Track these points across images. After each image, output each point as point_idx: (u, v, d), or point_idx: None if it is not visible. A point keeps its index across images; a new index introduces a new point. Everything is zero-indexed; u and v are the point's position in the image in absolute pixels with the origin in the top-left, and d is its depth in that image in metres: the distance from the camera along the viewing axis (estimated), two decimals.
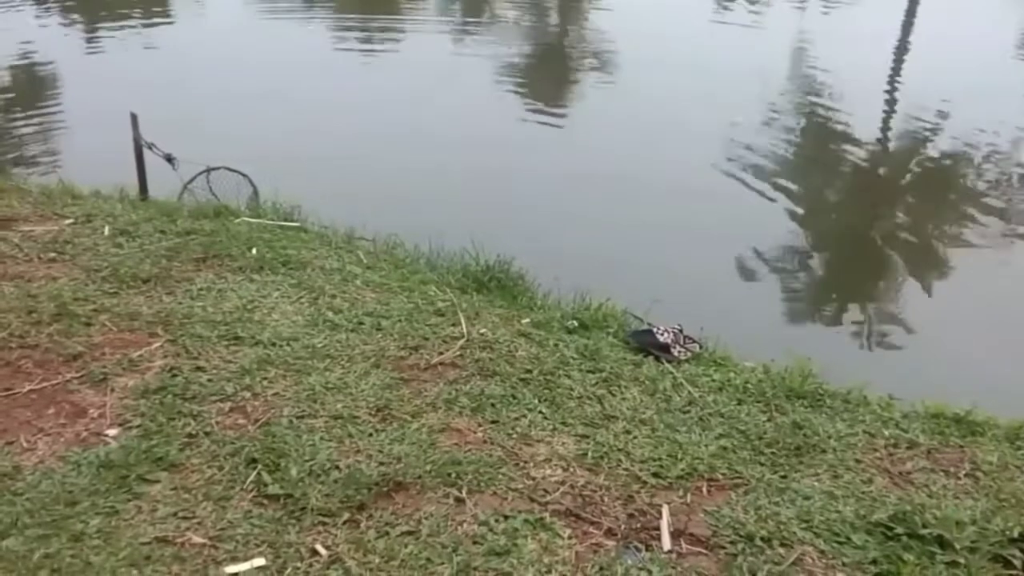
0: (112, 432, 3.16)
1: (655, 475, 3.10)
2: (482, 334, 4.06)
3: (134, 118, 5.79)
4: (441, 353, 3.86)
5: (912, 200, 9.07)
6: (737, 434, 3.38)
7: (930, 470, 3.26)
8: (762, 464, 3.20)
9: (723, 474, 3.13)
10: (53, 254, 4.53)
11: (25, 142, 8.99)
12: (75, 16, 14.23)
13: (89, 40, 12.81)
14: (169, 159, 6.00)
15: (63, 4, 14.77)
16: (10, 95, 10.67)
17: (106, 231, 4.87)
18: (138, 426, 3.19)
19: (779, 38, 14.57)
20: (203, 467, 2.99)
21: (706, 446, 3.28)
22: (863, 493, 3.06)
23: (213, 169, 6.14)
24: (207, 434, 3.16)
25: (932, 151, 9.83)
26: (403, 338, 3.96)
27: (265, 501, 2.85)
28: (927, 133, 10.27)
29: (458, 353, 3.87)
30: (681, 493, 3.02)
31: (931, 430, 3.53)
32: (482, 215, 6.87)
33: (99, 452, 3.02)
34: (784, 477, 3.13)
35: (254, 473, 2.95)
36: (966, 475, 3.23)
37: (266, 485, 2.90)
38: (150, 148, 5.90)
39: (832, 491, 3.06)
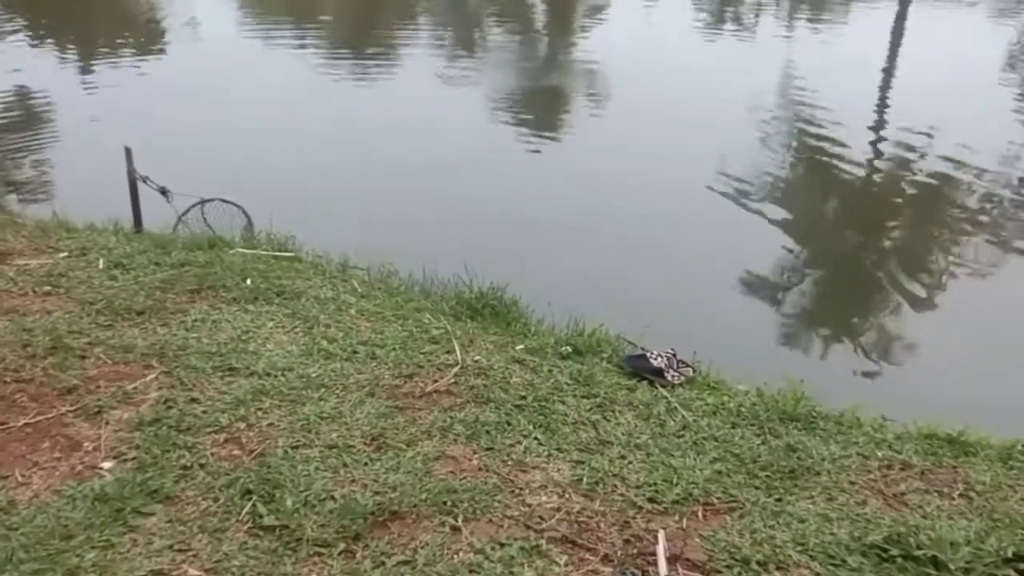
0: (107, 465, 3.16)
1: (651, 500, 3.10)
2: (476, 361, 4.07)
3: (128, 152, 5.82)
4: (436, 381, 3.87)
5: (903, 221, 9.13)
6: (732, 458, 3.39)
7: (924, 491, 3.27)
8: (757, 487, 3.21)
9: (718, 498, 3.13)
10: (48, 287, 4.55)
11: (19, 176, 9.02)
12: (69, 48, 14.32)
13: (83, 72, 12.88)
14: (163, 192, 6.04)
15: (58, 36, 14.87)
16: (3, 127, 10.70)
17: (101, 264, 4.89)
18: (133, 459, 3.19)
19: (768, 61, 14.73)
20: (198, 499, 2.99)
21: (701, 470, 3.28)
22: (857, 515, 3.07)
23: (207, 201, 6.19)
24: (202, 466, 3.16)
25: (922, 172, 9.90)
26: (397, 366, 3.97)
27: (261, 532, 2.84)
28: (916, 154, 10.36)
29: (452, 380, 3.88)
30: (677, 518, 3.02)
31: (924, 451, 3.54)
32: (475, 242, 6.91)
33: (94, 485, 3.02)
34: (779, 500, 3.14)
35: (249, 504, 2.95)
36: (960, 495, 3.24)
37: (261, 516, 2.90)
38: (144, 181, 5.93)
39: (827, 513, 3.07)
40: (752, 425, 3.65)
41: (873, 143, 10.88)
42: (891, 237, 8.61)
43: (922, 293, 7.28)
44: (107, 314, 4.26)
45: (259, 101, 11.28)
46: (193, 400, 3.56)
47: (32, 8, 17.76)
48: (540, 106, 12.46)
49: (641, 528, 2.97)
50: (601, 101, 12.52)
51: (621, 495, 3.13)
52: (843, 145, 10.44)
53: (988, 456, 3.52)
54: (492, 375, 3.94)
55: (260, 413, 3.50)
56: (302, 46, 14.94)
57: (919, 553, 2.79)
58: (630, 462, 3.33)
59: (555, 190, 8.61)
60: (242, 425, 3.41)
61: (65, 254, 5.03)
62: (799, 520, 3.01)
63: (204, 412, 3.48)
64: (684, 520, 3.01)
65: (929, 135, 10.79)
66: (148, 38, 15.22)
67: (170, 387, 3.66)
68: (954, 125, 10.78)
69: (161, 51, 14.52)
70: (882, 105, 12.73)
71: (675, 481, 3.20)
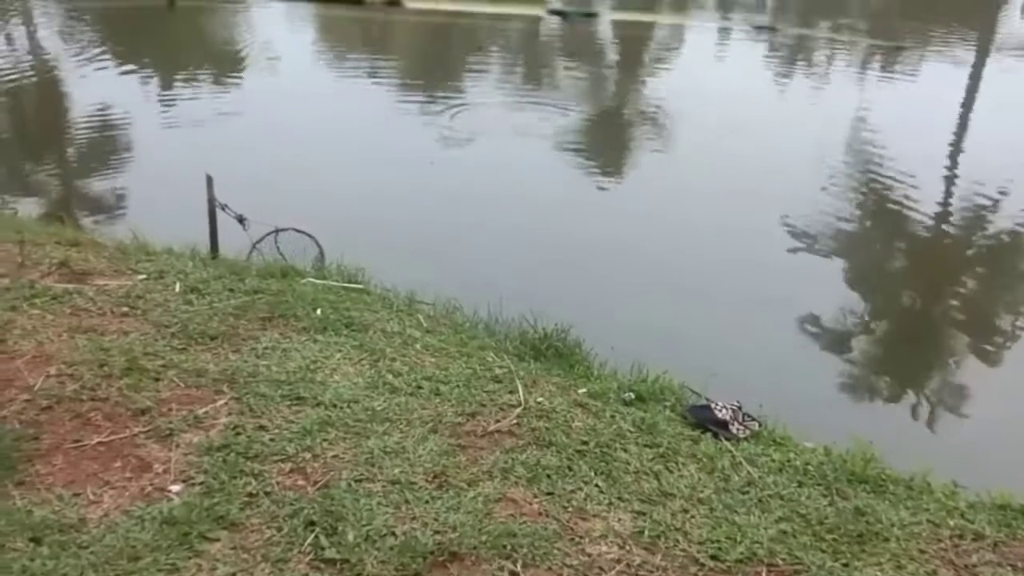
0: (175, 488, 3.22)
1: (713, 557, 3.05)
2: (539, 403, 4.06)
3: (209, 180, 6.00)
4: (498, 420, 3.87)
5: (972, 275, 8.91)
6: (797, 518, 3.31)
7: (996, 564, 3.16)
8: (823, 551, 3.13)
9: (783, 559, 3.07)
10: (126, 309, 4.68)
11: (102, 199, 9.36)
12: (150, 78, 14.86)
13: (165, 103, 13.33)
14: (240, 220, 6.21)
15: (142, 66, 15.45)
16: (87, 151, 11.14)
17: (177, 288, 5.02)
18: (201, 483, 3.24)
19: (838, 108, 14.58)
20: (262, 527, 3.03)
21: (765, 529, 3.22)
22: None
23: (282, 230, 6.33)
24: (267, 494, 3.20)
25: (994, 225, 9.69)
26: (461, 404, 3.99)
27: (322, 565, 2.87)
28: (989, 207, 10.13)
29: (515, 421, 3.88)
30: None
31: (998, 522, 3.43)
32: (540, 282, 6.95)
33: (162, 508, 3.07)
34: (845, 565, 3.06)
35: (312, 536, 2.98)
36: None
37: (323, 548, 2.92)
38: (223, 209, 6.10)
39: None
40: (819, 485, 3.57)
41: (944, 196, 10.66)
42: (961, 291, 8.39)
43: (994, 352, 7.07)
44: (181, 338, 4.36)
45: (333, 134, 11.55)
46: (261, 428, 3.62)
47: (120, 37, 18.56)
48: (605, 147, 12.51)
49: None
50: (667, 144, 12.52)
51: (683, 550, 3.08)
52: (914, 194, 10.25)
53: None
54: (554, 418, 3.93)
55: (325, 444, 3.54)
56: (376, 81, 15.27)
57: None
58: (693, 516, 3.28)
59: (621, 233, 8.61)
60: (308, 455, 3.45)
61: (143, 276, 5.17)
62: None
63: (271, 440, 3.53)
64: None
65: (1004, 187, 10.55)
66: (229, 69, 15.71)
67: (239, 413, 3.73)
68: None
69: (240, 81, 14.98)
70: (954, 157, 12.48)
71: (739, 539, 3.14)
